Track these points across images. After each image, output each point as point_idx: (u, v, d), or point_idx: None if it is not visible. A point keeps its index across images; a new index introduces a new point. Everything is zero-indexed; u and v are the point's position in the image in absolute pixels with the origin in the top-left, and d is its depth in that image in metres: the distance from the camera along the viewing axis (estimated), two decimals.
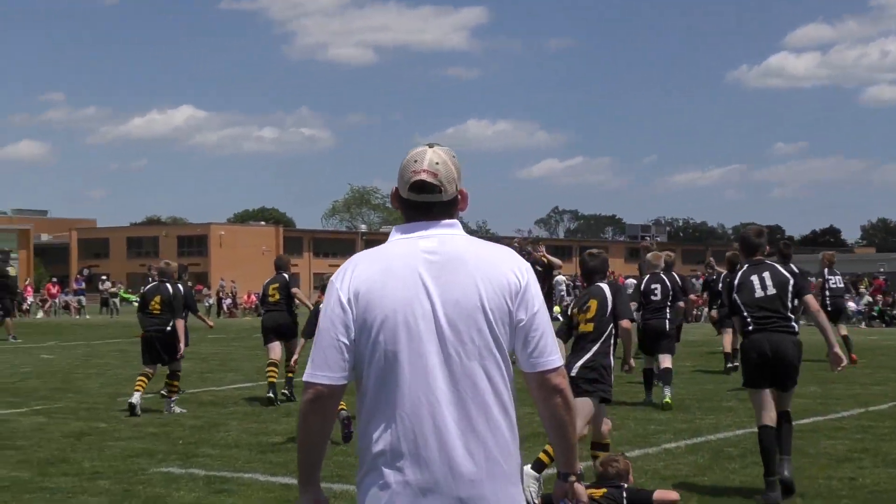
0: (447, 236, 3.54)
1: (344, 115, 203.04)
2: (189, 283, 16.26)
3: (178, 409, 14.80)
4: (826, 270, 23.24)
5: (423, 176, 3.55)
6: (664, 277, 15.48)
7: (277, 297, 16.15)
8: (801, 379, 17.01)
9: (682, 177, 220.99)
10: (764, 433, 9.01)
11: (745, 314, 9.27)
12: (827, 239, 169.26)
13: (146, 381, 14.92)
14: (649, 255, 16.10)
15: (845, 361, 9.30)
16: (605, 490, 7.87)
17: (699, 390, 16.40)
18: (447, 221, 3.58)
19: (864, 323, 43.45)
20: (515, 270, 3.53)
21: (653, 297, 15.31)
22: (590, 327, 9.01)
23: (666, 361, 14.94)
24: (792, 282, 9.27)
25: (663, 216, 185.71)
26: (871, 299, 46.43)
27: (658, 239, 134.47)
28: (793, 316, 9.32)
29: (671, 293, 15.31)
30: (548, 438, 3.67)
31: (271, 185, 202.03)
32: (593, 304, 9.16)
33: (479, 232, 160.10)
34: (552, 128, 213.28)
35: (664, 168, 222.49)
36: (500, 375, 3.49)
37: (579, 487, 3.80)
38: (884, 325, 44.67)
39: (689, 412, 13.87)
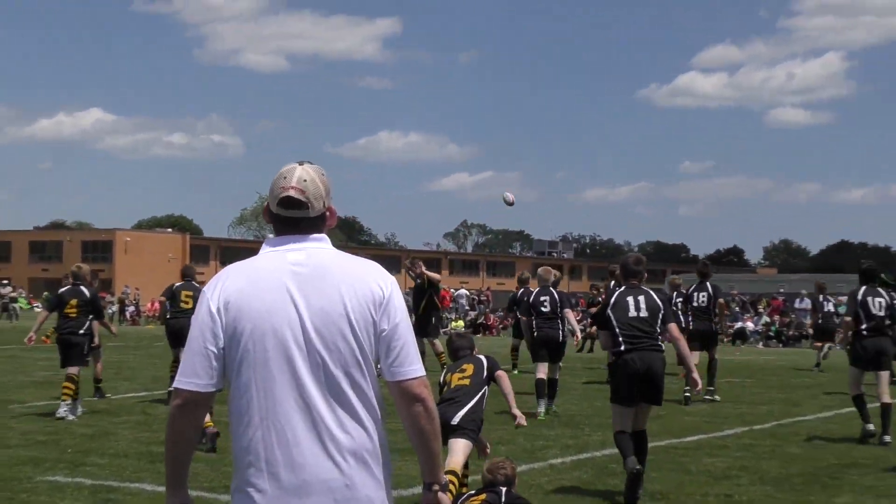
0: (315, 250, 3.69)
1: (255, 122, 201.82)
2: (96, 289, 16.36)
3: (70, 416, 14.71)
4: (820, 296, 26.70)
5: (291, 192, 3.70)
6: (552, 291, 16.25)
7: (191, 304, 16.19)
8: (693, 398, 17.50)
9: (591, 193, 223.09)
10: (621, 437, 9.89)
11: (618, 332, 9.98)
12: (730, 258, 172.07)
13: (72, 385, 14.93)
14: (541, 269, 16.98)
15: (700, 385, 10.22)
16: (484, 496, 8.00)
17: (589, 406, 16.69)
18: (315, 236, 3.73)
19: (761, 343, 44.34)
20: (379, 282, 3.68)
21: (542, 309, 16.11)
22: (466, 381, 9.22)
23: (554, 372, 15.89)
24: (662, 310, 10.10)
25: (571, 232, 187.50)
26: (768, 319, 47.39)
27: (565, 255, 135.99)
28: (660, 337, 10.12)
29: (559, 305, 16.10)
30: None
31: (180, 191, 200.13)
32: (469, 367, 9.36)
33: (388, 245, 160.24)
34: (463, 141, 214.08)
35: (574, 184, 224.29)
36: (365, 382, 3.62)
37: (443, 497, 3.92)
38: (780, 345, 45.61)
39: (577, 428, 14.12)
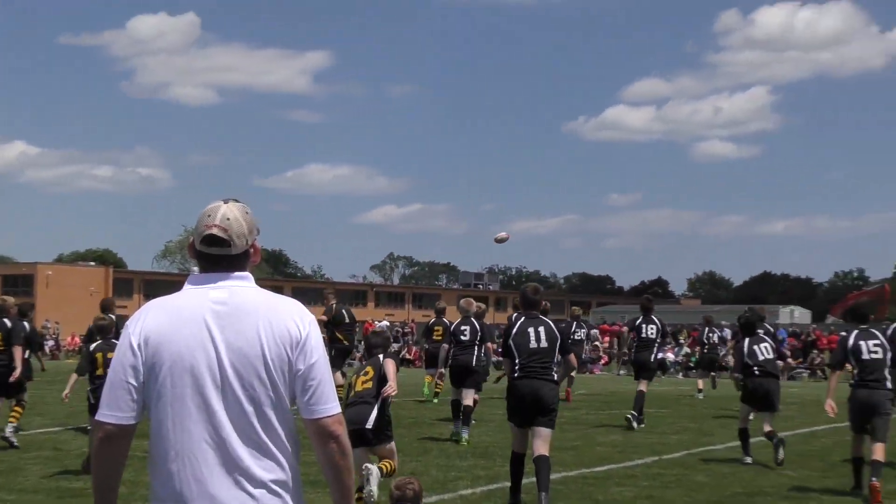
0: (237, 288, 3.78)
1: (184, 154, 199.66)
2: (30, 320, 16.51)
3: (13, 440, 14.88)
4: (706, 328, 28.85)
5: (214, 230, 3.81)
6: (473, 321, 17.44)
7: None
8: (605, 429, 17.74)
9: (519, 225, 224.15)
10: (515, 457, 10.98)
11: (517, 360, 10.97)
12: (655, 290, 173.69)
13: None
14: (462, 301, 17.98)
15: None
16: None
17: (504, 438, 16.79)
18: (238, 274, 3.82)
19: (680, 373, 44.83)
20: (297, 322, 3.76)
21: (462, 337, 17.28)
22: (369, 384, 10.14)
23: (468, 398, 16.61)
24: (559, 340, 11.07)
25: (497, 264, 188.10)
26: (688, 350, 47.90)
27: (491, 287, 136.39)
28: (554, 367, 11.04)
29: (479, 335, 17.27)
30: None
31: (106, 224, 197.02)
32: (370, 369, 10.42)
33: (314, 277, 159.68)
34: (392, 174, 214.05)
35: (502, 216, 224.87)
36: (279, 419, 3.72)
37: None
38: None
39: (490, 458, 14.24)
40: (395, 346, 51.45)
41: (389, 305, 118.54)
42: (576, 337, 27.51)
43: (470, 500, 11.09)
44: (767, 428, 14.57)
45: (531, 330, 11.01)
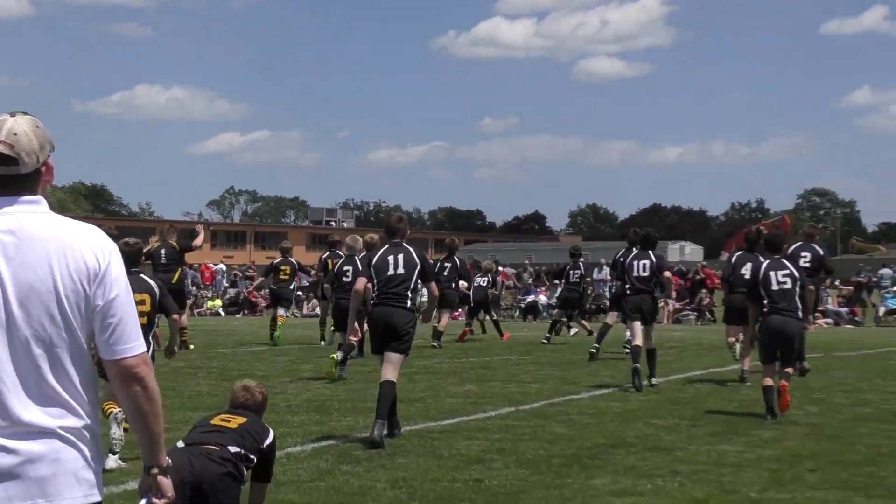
0: (27, 214, 3.74)
1: None
2: None
3: None
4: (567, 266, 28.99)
5: (0, 147, 3.74)
6: (357, 261, 18.16)
7: None
8: (461, 378, 18.06)
9: (378, 154, 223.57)
10: (384, 386, 12.31)
11: (375, 288, 12.55)
12: (531, 226, 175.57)
13: None
14: (349, 238, 18.73)
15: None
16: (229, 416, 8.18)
17: (345, 390, 17.01)
18: (28, 198, 3.78)
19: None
20: (96, 252, 3.77)
21: (344, 279, 18.57)
22: (144, 320, 9.98)
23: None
24: (419, 266, 12.65)
25: (353, 198, 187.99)
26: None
27: (345, 224, 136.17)
28: (410, 294, 12.54)
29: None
30: None
31: None
32: (146, 297, 11.16)
33: (142, 215, 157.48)
34: (234, 97, 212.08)
35: (359, 145, 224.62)
36: (74, 364, 3.75)
37: (163, 480, 4.07)
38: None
39: (326, 413, 14.40)
40: (231, 292, 51.21)
41: (228, 246, 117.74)
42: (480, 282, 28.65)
43: (298, 458, 11.21)
44: (637, 342, 17.51)
45: (391, 258, 12.63)
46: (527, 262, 55.05)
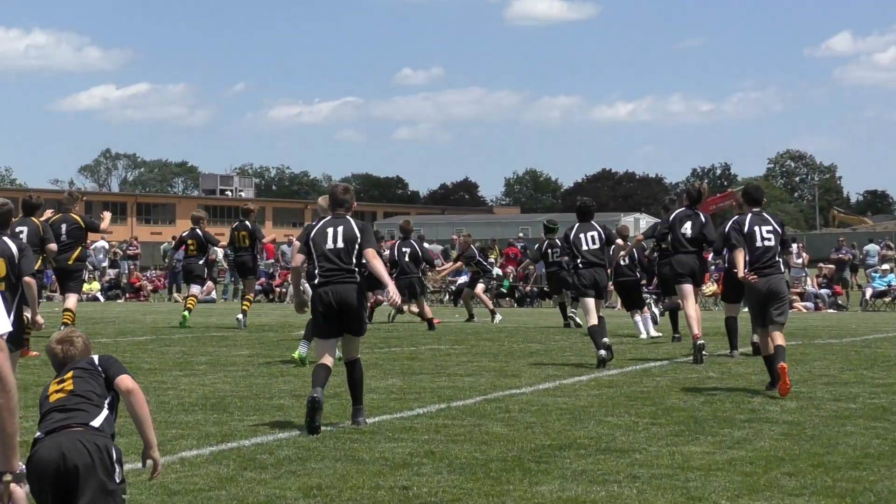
0: None
1: None
2: None
3: None
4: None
5: None
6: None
7: None
8: (384, 371, 18.12)
9: (279, 112, 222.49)
10: (316, 368, 13.42)
11: (315, 265, 13.50)
12: (460, 196, 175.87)
13: None
14: (321, 199, 19.23)
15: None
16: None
17: (247, 385, 16.99)
18: None
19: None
20: None
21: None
22: (2, 286, 10.48)
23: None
24: (360, 238, 13.48)
25: (251, 164, 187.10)
26: (499, 272, 48.60)
27: (243, 193, 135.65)
28: (357, 269, 13.47)
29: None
30: None
31: None
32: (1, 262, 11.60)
33: (1, 183, 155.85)
34: (108, 43, 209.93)
35: (257, 101, 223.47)
36: None
37: (17, 491, 4.05)
38: (514, 304, 47.02)
39: (226, 411, 14.39)
40: (111, 273, 50.90)
41: None
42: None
43: (195, 464, 11.20)
44: (593, 320, 19.42)
45: (330, 230, 13.59)
46: (455, 237, 54.90)
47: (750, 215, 16.15)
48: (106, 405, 7.55)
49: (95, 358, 7.85)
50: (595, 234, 19.67)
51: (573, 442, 12.48)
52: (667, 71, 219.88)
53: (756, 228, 15.97)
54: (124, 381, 7.65)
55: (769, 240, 15.95)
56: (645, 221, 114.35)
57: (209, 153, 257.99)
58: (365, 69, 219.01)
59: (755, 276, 15.83)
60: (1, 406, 3.83)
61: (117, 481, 7.22)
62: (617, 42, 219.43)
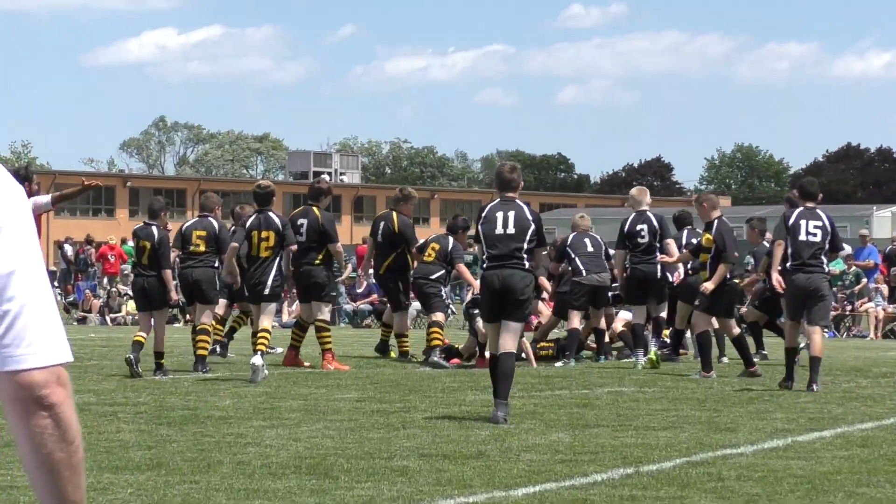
0: None
1: None
2: None
3: None
4: None
5: None
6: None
7: None
8: (546, 422, 18.09)
9: (399, 65, 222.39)
10: (496, 360, 17.43)
11: (485, 249, 17.76)
12: (647, 181, 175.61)
13: None
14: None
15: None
16: None
17: (358, 441, 17.03)
18: None
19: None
20: None
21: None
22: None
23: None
24: (532, 227, 17.64)
25: (356, 138, 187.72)
26: None
27: (344, 177, 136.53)
28: (526, 255, 17.64)
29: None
30: None
31: None
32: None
33: (19, 162, 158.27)
34: None
35: (368, 50, 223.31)
36: None
37: None
38: None
39: (329, 476, 14.36)
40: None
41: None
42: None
43: None
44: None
45: (500, 214, 17.63)
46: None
47: (801, 209, 19.37)
48: None
49: None
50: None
51: None
52: None
53: (802, 222, 19.11)
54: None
55: (814, 235, 19.07)
56: None
57: (301, 123, 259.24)
58: (517, 6, 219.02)
59: (779, 281, 19.74)
60: (59, 462, 3.82)
61: None
62: None
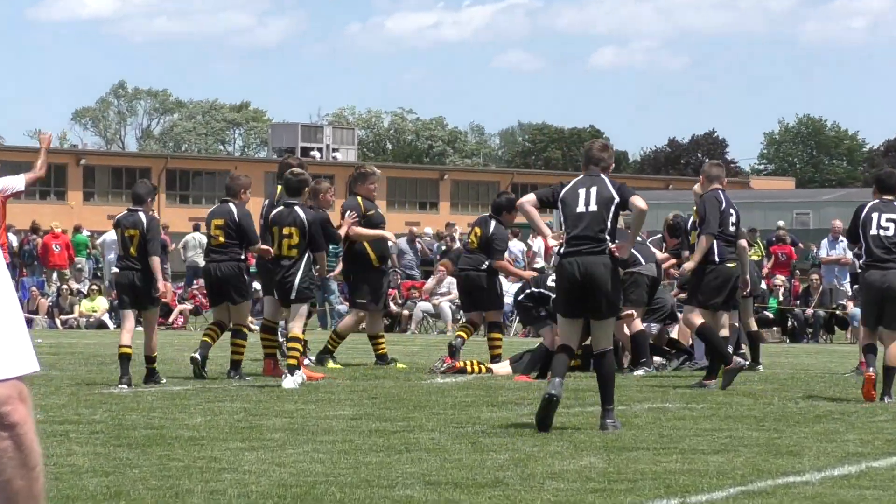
0: None
1: None
2: None
3: None
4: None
5: None
6: None
7: None
8: (575, 444, 18.13)
9: (404, 22, 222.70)
10: (557, 356, 18.18)
11: (563, 230, 18.30)
12: (695, 158, 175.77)
13: None
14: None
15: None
16: None
17: (353, 465, 17.06)
18: None
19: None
20: None
21: None
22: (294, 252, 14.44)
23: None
24: (617, 199, 17.99)
25: (353, 107, 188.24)
26: (763, 286, 48.73)
27: (338, 154, 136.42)
28: (608, 237, 17.94)
29: None
30: None
31: None
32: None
33: None
34: None
35: (366, 4, 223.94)
36: None
37: None
38: (786, 339, 47.08)
39: None
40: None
41: (116, 199, 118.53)
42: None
43: None
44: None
45: (581, 190, 18.11)
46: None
47: (875, 201, 19.79)
48: None
49: None
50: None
51: None
52: None
53: (874, 215, 19.42)
54: None
55: (886, 229, 19.37)
56: None
57: (286, 91, 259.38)
58: None
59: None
60: (19, 491, 3.81)
61: None
62: None
